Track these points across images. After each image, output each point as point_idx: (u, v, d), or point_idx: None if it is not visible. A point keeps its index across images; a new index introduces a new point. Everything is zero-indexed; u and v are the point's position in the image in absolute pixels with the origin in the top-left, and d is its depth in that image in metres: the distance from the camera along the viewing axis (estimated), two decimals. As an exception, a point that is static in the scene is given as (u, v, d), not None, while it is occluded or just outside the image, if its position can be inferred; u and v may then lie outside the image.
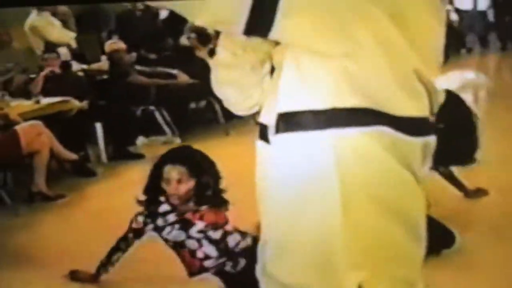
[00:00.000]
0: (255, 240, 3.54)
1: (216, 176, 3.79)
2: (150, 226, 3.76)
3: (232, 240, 3.74)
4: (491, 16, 15.22)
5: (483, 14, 15.12)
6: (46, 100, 7.22)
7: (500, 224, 4.79)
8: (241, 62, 2.19)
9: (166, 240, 3.77)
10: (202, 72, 8.16)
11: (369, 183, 2.03)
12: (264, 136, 2.16)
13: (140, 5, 10.46)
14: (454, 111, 3.90)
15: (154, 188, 3.77)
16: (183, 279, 3.81)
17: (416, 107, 2.05)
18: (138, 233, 3.80)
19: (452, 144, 3.54)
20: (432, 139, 2.15)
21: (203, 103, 8.74)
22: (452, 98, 3.94)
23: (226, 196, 3.81)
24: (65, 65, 8.22)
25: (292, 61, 2.05)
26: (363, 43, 1.96)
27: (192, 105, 8.78)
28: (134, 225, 3.80)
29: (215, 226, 3.73)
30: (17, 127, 6.25)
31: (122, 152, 7.54)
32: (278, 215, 2.13)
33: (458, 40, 13.97)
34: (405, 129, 2.03)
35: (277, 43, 2.11)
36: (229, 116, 7.38)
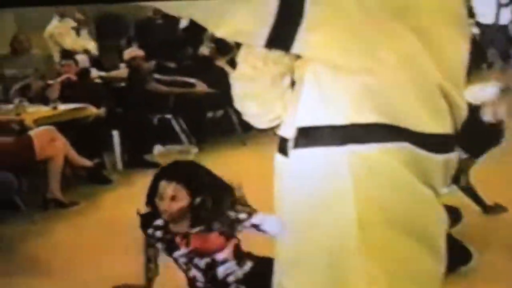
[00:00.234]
0: (257, 265, 3.44)
1: (221, 197, 3.43)
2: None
3: (222, 271, 3.46)
4: (513, 31, 15.15)
5: (504, 28, 15.03)
6: (64, 107, 7.24)
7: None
8: (262, 75, 2.17)
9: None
10: (220, 81, 8.18)
11: (387, 200, 2.00)
12: (283, 149, 2.13)
13: (160, 13, 10.46)
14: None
15: (151, 201, 3.55)
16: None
17: (438, 123, 2.02)
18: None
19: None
20: (454, 156, 2.11)
21: (220, 113, 8.75)
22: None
23: (237, 223, 3.41)
24: (83, 72, 8.24)
25: (312, 76, 2.02)
26: (385, 59, 1.93)
27: (209, 115, 8.78)
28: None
29: (201, 253, 3.45)
30: (31, 132, 6.27)
31: (138, 160, 7.54)
32: (292, 230, 2.10)
33: (479, 55, 13.90)
34: (426, 145, 2.00)
35: (298, 56, 2.08)
36: (247, 126, 7.33)
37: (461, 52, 2.10)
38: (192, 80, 8.68)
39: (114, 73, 9.30)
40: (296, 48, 1.94)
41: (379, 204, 1.99)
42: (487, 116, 4.60)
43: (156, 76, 8.69)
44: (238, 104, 2.26)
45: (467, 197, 5.02)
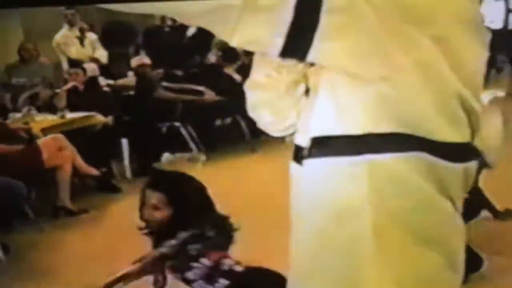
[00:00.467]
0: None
1: (201, 213, 3.38)
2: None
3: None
4: (521, 36, 15.11)
5: (513, 33, 15.01)
6: (72, 115, 7.25)
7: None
8: (275, 83, 2.15)
9: None
10: (228, 89, 8.19)
11: (404, 210, 1.97)
12: (297, 157, 2.11)
13: (168, 21, 10.47)
14: None
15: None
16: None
17: (457, 132, 1.99)
18: None
19: None
20: (473, 165, 2.08)
21: (228, 120, 8.74)
22: None
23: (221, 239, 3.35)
24: (90, 81, 8.24)
25: (327, 85, 2.00)
26: (402, 67, 1.90)
27: (218, 122, 8.77)
28: None
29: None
30: (39, 141, 6.28)
31: (147, 169, 7.52)
32: (306, 240, 2.08)
33: (488, 60, 13.85)
34: (444, 154, 1.97)
35: (312, 64, 2.05)
36: (256, 133, 7.34)
37: (479, 59, 2.09)
38: (200, 88, 8.67)
39: (122, 81, 9.31)
40: (311, 57, 1.91)
41: (396, 214, 1.96)
42: None
43: (164, 83, 8.70)
44: (252, 112, 2.24)
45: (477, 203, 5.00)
